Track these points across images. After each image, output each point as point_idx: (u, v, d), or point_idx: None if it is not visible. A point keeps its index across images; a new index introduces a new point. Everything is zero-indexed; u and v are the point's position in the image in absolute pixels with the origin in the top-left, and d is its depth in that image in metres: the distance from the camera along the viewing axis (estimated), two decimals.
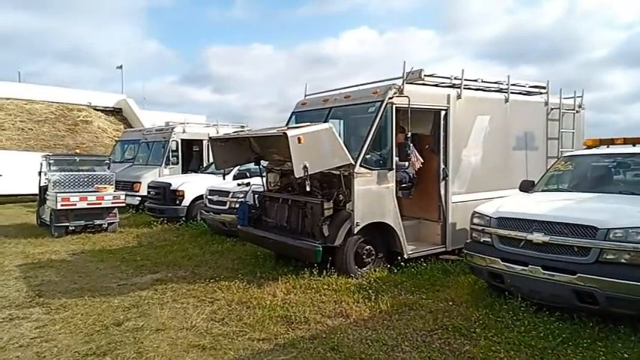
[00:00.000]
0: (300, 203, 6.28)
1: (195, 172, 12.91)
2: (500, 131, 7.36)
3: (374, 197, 5.97)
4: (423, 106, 6.43)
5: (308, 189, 5.85)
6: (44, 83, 28.21)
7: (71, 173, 10.04)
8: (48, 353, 3.95)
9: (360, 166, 5.83)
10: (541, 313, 4.42)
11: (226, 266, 6.89)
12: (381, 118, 6.01)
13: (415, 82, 6.49)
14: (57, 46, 72.32)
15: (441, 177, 6.70)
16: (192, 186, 10.62)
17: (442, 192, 6.73)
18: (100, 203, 9.71)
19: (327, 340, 4.08)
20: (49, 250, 8.29)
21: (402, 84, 6.11)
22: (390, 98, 6.04)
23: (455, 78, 6.80)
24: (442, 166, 6.69)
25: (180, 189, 10.55)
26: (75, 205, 9.38)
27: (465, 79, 6.86)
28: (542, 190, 5.74)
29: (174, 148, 13.53)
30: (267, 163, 7.34)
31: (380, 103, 6.06)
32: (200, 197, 10.13)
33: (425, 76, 6.50)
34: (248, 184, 8.57)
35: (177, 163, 13.58)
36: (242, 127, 14.44)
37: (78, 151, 18.70)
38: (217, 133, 12.66)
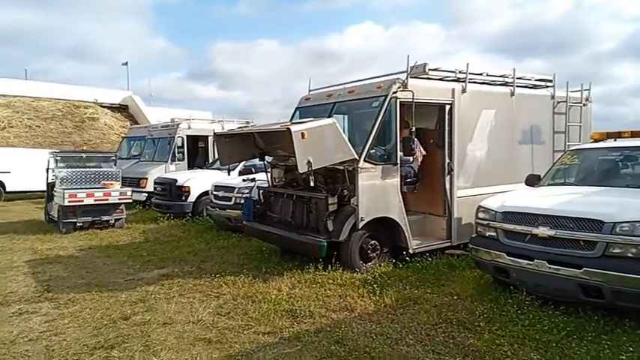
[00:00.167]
0: (305, 198, 6.29)
1: (201, 168, 12.97)
2: (506, 125, 7.31)
3: (378, 192, 5.96)
4: (427, 101, 6.40)
5: (312, 184, 5.87)
6: (51, 80, 28.47)
7: (78, 170, 10.13)
8: (57, 347, 4.00)
9: (365, 161, 5.82)
10: (546, 307, 4.41)
11: (232, 261, 6.93)
12: (385, 113, 5.99)
13: (419, 77, 6.46)
14: (63, 43, 72.93)
15: (446, 171, 6.68)
16: (198, 182, 10.67)
17: (447, 186, 6.70)
18: (107, 199, 9.80)
19: (332, 333, 4.10)
20: (57, 246, 8.39)
21: (406, 78, 6.08)
22: (394, 93, 6.01)
23: (460, 72, 6.77)
24: (447, 160, 6.66)
25: (186, 185, 10.62)
26: (82, 201, 9.48)
27: (470, 73, 6.81)
28: (549, 184, 5.71)
29: (179, 144, 13.62)
30: (271, 158, 7.35)
31: (384, 97, 6.03)
32: (206, 193, 10.18)
33: (429, 70, 6.47)
34: (253, 180, 8.58)
35: (183, 159, 13.66)
36: (247, 122, 14.47)
37: (85, 147, 18.88)
38: (223, 129, 12.69)
